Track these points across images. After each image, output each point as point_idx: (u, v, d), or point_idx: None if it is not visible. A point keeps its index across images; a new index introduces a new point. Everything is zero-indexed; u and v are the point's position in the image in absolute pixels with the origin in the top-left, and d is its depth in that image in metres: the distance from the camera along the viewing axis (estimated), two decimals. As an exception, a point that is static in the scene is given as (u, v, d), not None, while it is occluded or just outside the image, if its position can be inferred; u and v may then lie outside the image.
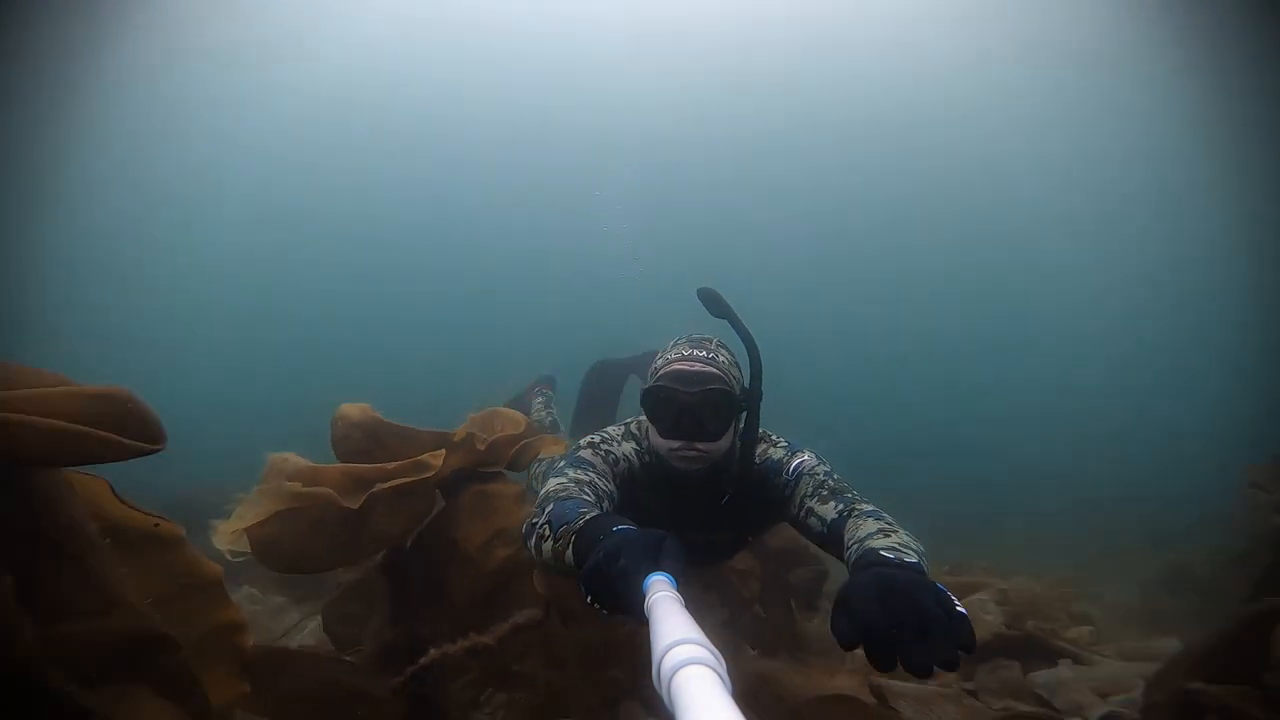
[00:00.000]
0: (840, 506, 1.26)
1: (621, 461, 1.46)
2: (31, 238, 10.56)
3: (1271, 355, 10.82)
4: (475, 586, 1.62)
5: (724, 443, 1.37)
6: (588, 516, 0.96)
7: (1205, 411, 13.23)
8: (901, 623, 0.74)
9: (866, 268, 19.56)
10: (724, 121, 18.09)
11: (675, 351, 1.44)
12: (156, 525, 1.14)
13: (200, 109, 14.96)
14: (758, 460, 1.47)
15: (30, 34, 6.97)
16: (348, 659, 1.81)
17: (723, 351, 1.45)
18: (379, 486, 1.60)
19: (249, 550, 1.70)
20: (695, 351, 1.42)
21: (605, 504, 1.27)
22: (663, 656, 0.44)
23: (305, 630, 2.54)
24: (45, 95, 8.28)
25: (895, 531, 1.08)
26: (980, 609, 2.03)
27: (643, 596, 0.63)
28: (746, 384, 1.43)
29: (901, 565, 0.90)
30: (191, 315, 18.84)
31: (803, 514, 1.35)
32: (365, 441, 1.99)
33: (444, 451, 1.81)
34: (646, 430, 1.51)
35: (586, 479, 1.29)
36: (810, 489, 1.37)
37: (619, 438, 1.52)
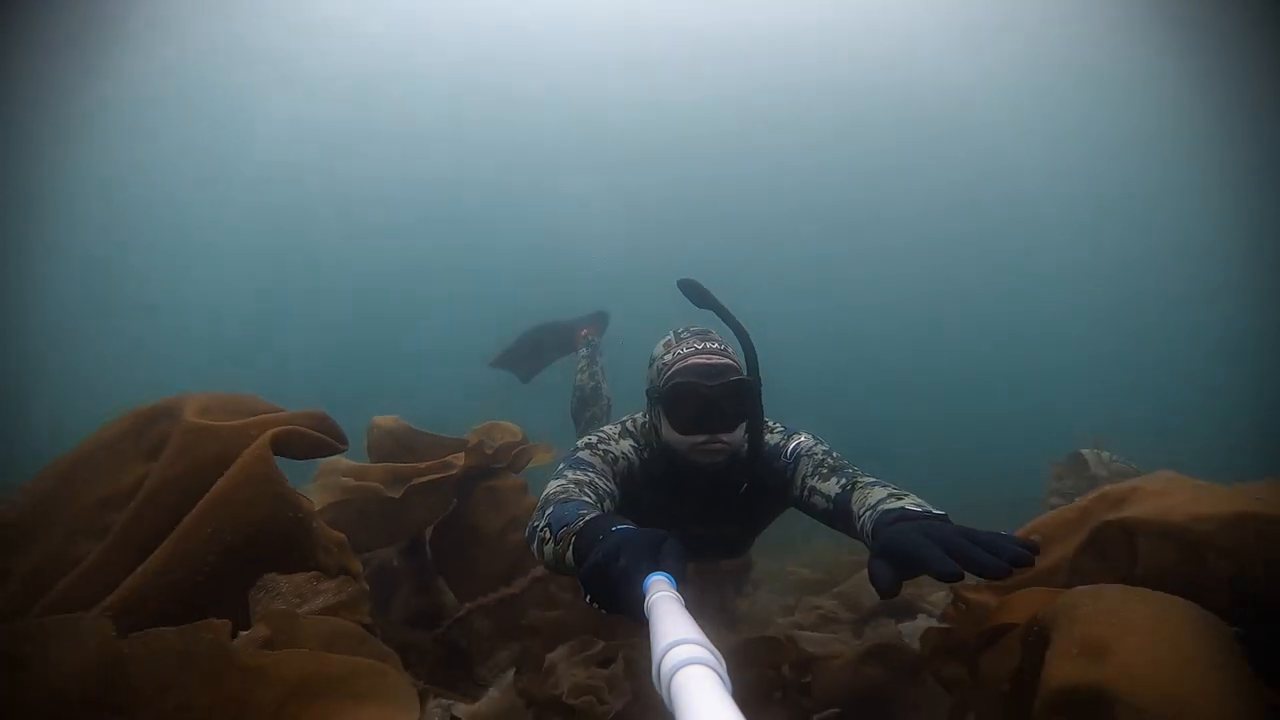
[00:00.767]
0: (843, 481, 1.26)
1: (620, 460, 1.45)
2: (31, 238, 10.73)
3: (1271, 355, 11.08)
4: (496, 562, 2.05)
5: (740, 433, 1.38)
6: (587, 517, 0.96)
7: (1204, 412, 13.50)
8: (955, 543, 0.74)
9: (864, 266, 19.53)
10: (725, 121, 18.12)
11: (685, 346, 1.42)
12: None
13: (201, 109, 14.86)
14: (762, 448, 1.47)
15: (28, 34, 7.02)
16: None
17: (726, 342, 1.46)
18: (416, 480, 2.02)
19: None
20: (708, 344, 1.42)
21: (606, 503, 1.28)
22: (662, 656, 0.44)
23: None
24: (45, 95, 8.31)
25: (906, 495, 1.07)
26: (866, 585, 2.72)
27: (642, 596, 0.63)
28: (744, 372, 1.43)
29: (930, 515, 0.90)
30: (191, 316, 18.57)
31: (806, 494, 1.35)
32: (395, 446, 2.39)
33: (464, 454, 2.25)
34: (645, 427, 1.53)
35: (586, 479, 1.30)
36: (810, 469, 1.37)
37: (616, 436, 1.52)
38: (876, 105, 17.11)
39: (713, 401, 1.33)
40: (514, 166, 19.12)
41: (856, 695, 1.78)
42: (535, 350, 3.64)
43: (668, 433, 1.39)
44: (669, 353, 1.43)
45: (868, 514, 1.05)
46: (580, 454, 1.43)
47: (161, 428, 1.25)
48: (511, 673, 1.49)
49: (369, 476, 2.11)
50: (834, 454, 1.40)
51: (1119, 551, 1.13)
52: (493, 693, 1.42)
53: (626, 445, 1.50)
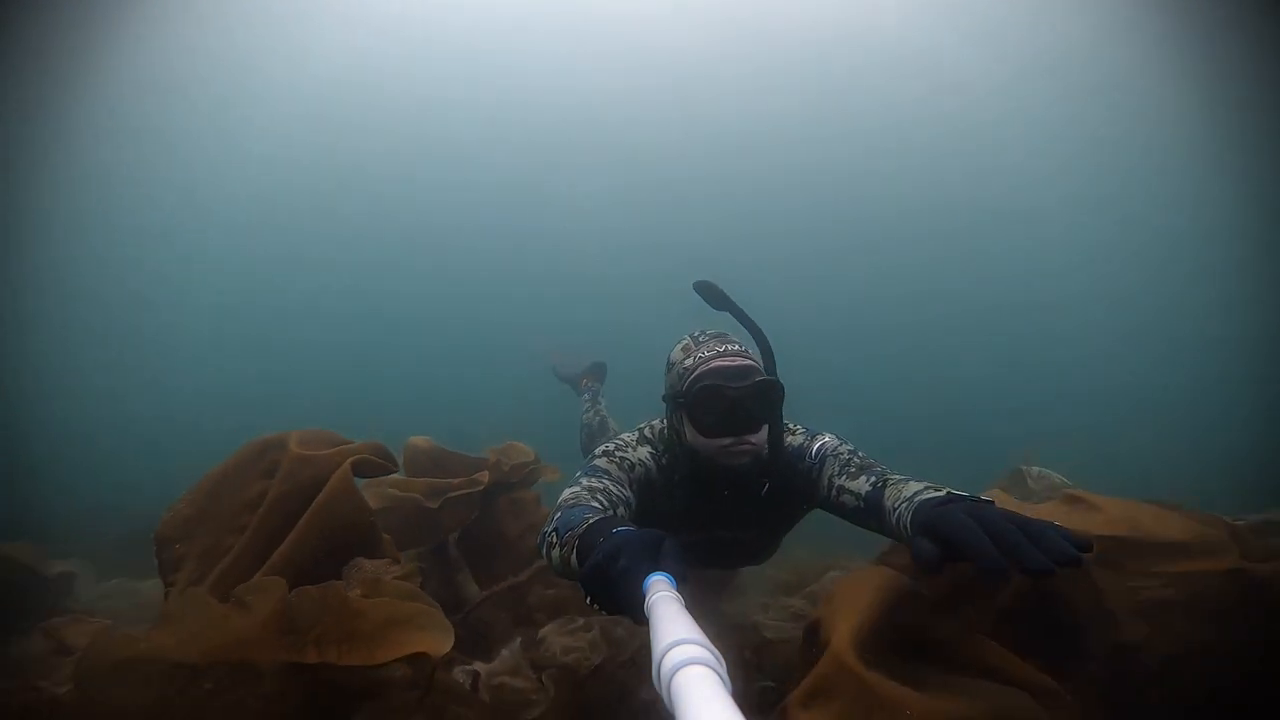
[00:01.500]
0: (873, 479, 1.25)
1: (638, 467, 1.45)
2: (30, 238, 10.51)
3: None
4: (515, 561, 2.56)
5: (764, 433, 1.38)
6: (590, 521, 0.97)
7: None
8: (1002, 531, 0.72)
9: (867, 263, 19.34)
10: (727, 122, 18.11)
11: (707, 349, 1.41)
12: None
13: (202, 110, 14.79)
14: (784, 448, 1.47)
15: (27, 33, 6.82)
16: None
17: (744, 343, 1.47)
18: (451, 494, 2.53)
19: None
20: (728, 346, 1.41)
21: (619, 510, 1.29)
22: (662, 656, 0.44)
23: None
24: (44, 95, 8.06)
25: (944, 488, 1.04)
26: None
27: (642, 596, 0.63)
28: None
29: (977, 499, 0.87)
30: (190, 315, 18.60)
31: (834, 493, 1.34)
32: (428, 461, 2.92)
33: (487, 471, 2.77)
34: (664, 433, 1.54)
35: (600, 486, 1.31)
36: (837, 468, 1.36)
37: (634, 443, 1.53)
38: (883, 104, 16.98)
39: (738, 403, 1.32)
40: (520, 165, 19.05)
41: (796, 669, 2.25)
42: (572, 358, 3.96)
43: (692, 437, 1.38)
44: (689, 357, 1.42)
45: (904, 505, 1.04)
46: (597, 461, 1.44)
47: (274, 455, 1.77)
48: (519, 641, 1.98)
49: (412, 489, 2.63)
50: (860, 453, 1.39)
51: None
52: (504, 654, 1.91)
53: (644, 452, 1.50)
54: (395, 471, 1.96)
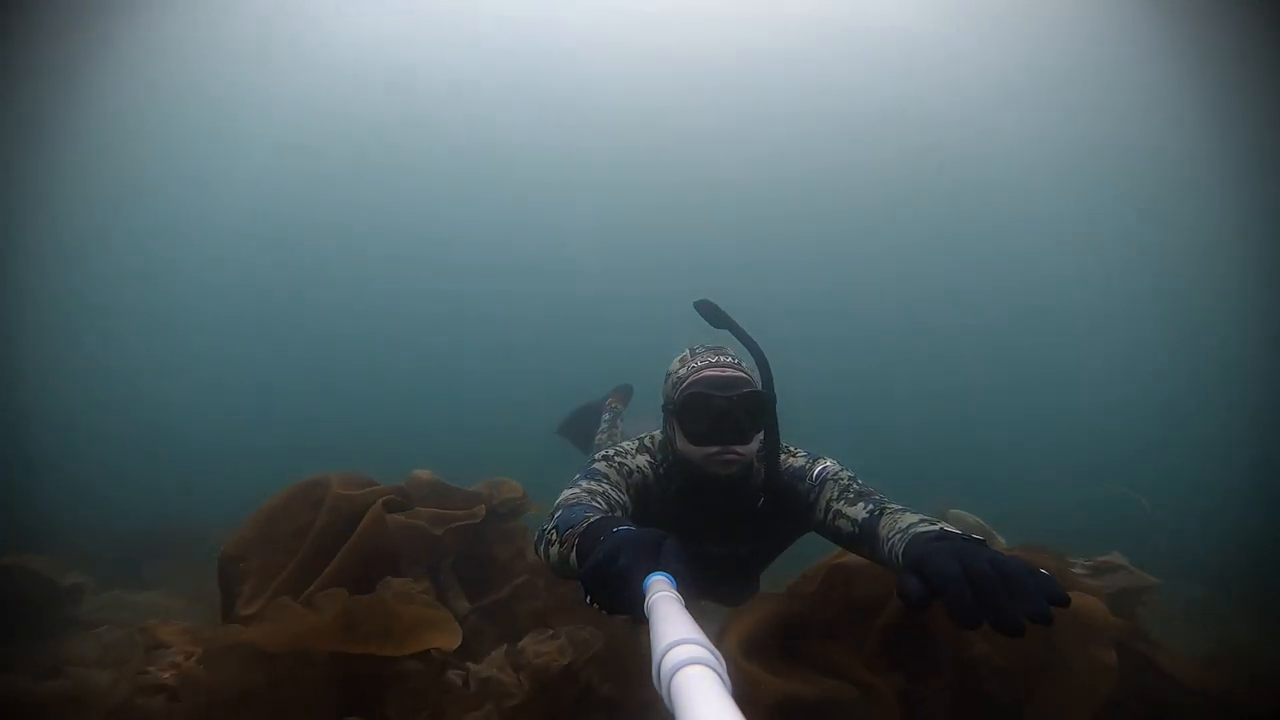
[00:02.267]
0: (870, 507, 1.27)
1: (635, 474, 1.48)
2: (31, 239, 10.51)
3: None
4: (504, 581, 3.03)
5: (754, 445, 1.41)
6: (591, 519, 0.98)
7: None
8: (984, 580, 0.73)
9: (866, 270, 19.62)
10: (729, 122, 18.31)
11: (700, 360, 1.46)
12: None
13: (207, 113, 14.76)
14: (781, 468, 1.49)
15: (29, 33, 6.84)
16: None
17: (740, 356, 1.50)
18: (454, 524, 3.00)
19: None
20: (721, 357, 1.46)
21: (618, 513, 1.29)
22: (662, 656, 0.44)
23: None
24: (45, 96, 8.10)
25: (940, 522, 1.06)
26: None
27: (642, 596, 0.63)
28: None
29: (969, 539, 0.87)
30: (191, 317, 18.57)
31: (830, 517, 1.36)
32: (430, 492, 3.38)
33: (483, 505, 3.24)
34: (661, 444, 1.57)
35: (599, 489, 1.33)
36: (835, 493, 1.38)
37: (633, 451, 1.55)
38: (886, 112, 17.07)
39: (725, 412, 1.35)
40: (522, 172, 19.31)
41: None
42: (584, 422, 3.97)
43: (682, 444, 1.42)
44: (683, 367, 1.47)
45: (898, 537, 1.06)
46: (596, 465, 1.46)
47: (318, 492, 2.25)
48: (504, 648, 2.43)
49: (418, 518, 3.09)
50: (859, 480, 1.41)
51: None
52: (491, 656, 2.36)
53: (642, 460, 1.52)
54: (410, 507, 2.44)
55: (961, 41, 14.45)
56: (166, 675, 1.72)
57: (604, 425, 3.58)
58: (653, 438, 1.61)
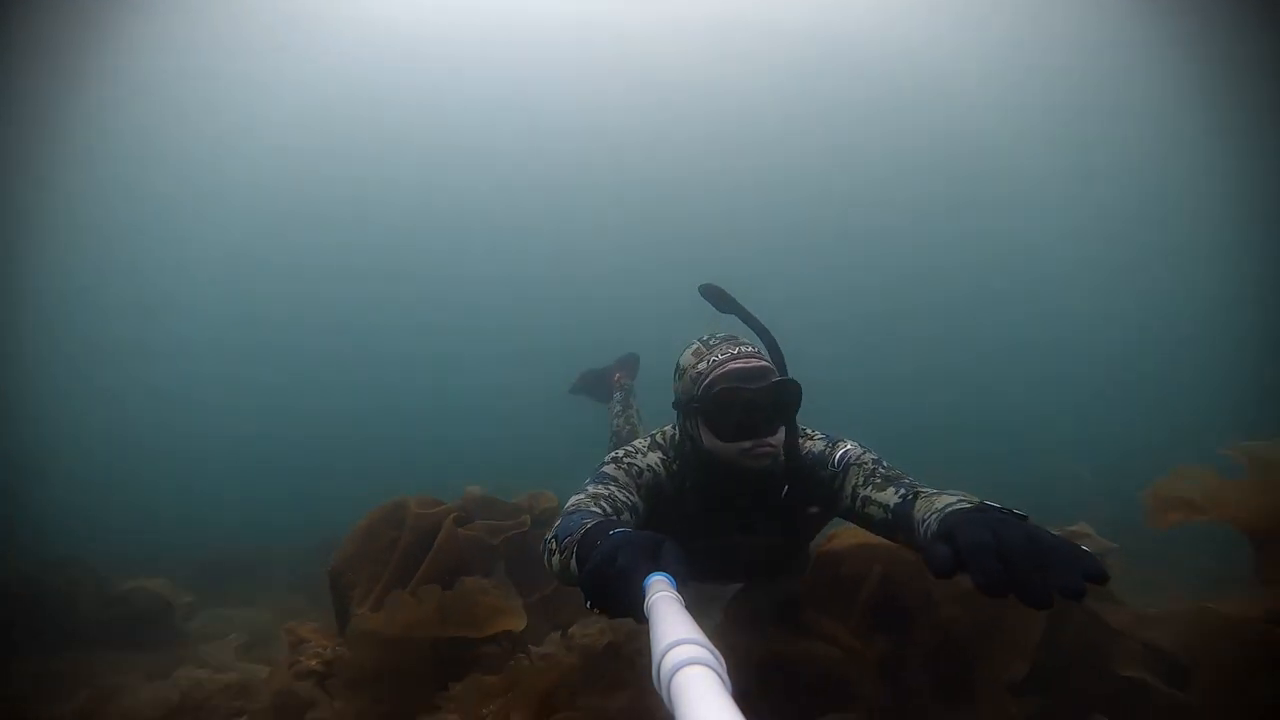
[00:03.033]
0: (902, 491, 1.23)
1: (646, 473, 1.45)
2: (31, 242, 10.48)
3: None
4: (549, 580, 3.55)
5: (781, 434, 1.37)
6: (588, 525, 0.97)
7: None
8: (1015, 552, 0.70)
9: (869, 268, 19.93)
10: (731, 123, 18.65)
11: (720, 352, 1.40)
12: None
13: (205, 117, 14.85)
14: (801, 454, 1.45)
15: (28, 34, 6.80)
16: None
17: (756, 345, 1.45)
18: (506, 534, 3.52)
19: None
20: (742, 348, 1.40)
21: (625, 515, 1.28)
22: (662, 657, 0.44)
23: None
24: (44, 99, 8.07)
25: (976, 500, 1.00)
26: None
27: (642, 597, 0.63)
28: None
29: (1010, 512, 0.83)
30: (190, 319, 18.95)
31: (859, 504, 1.33)
32: (481, 506, 3.93)
33: (528, 515, 3.77)
34: (675, 439, 1.53)
35: (605, 492, 1.32)
36: (862, 478, 1.34)
37: (645, 449, 1.53)
38: (888, 110, 17.37)
39: (757, 405, 1.32)
40: (525, 172, 19.65)
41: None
42: (594, 379, 4.04)
43: (710, 442, 1.38)
44: (701, 361, 1.41)
45: (934, 517, 1.02)
46: (605, 468, 1.45)
47: (400, 513, 2.79)
48: (558, 633, 2.94)
49: (476, 530, 3.63)
50: (884, 463, 1.38)
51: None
52: (549, 639, 2.87)
53: (654, 458, 1.50)
54: (470, 521, 2.97)
55: (968, 42, 14.50)
56: (313, 662, 2.28)
57: (617, 408, 3.47)
58: (664, 433, 1.59)
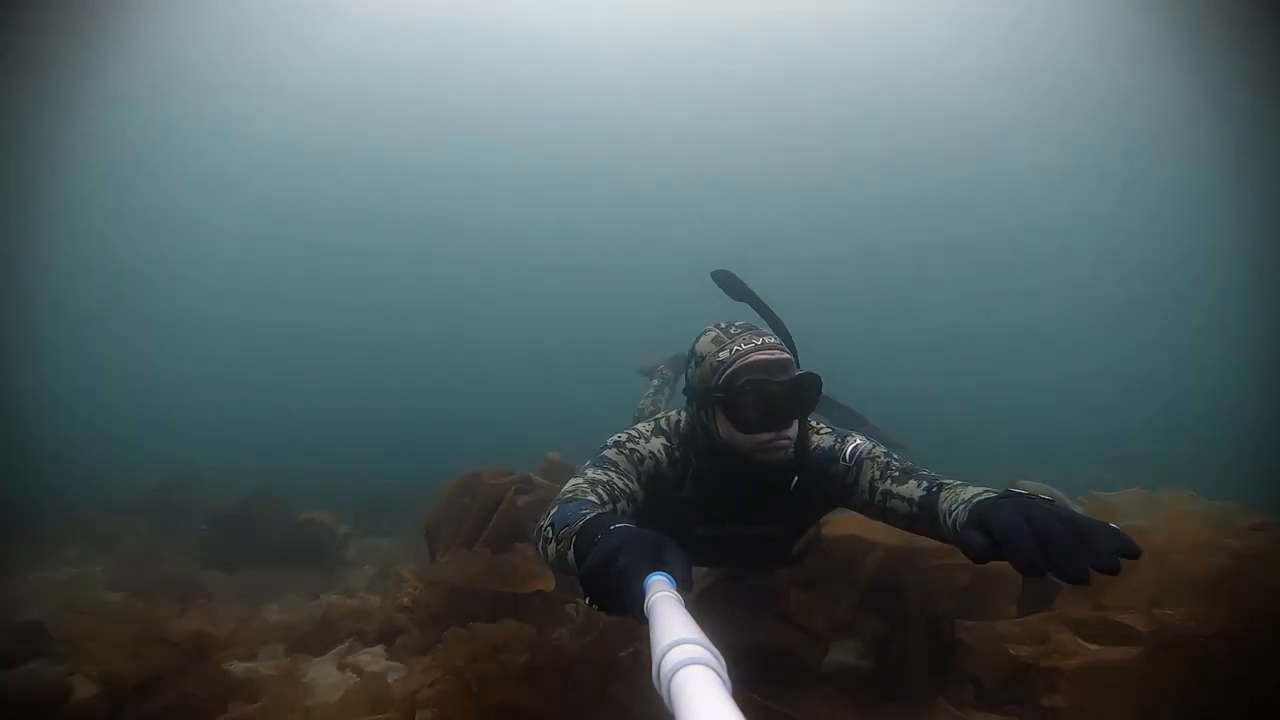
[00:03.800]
0: (925, 484, 1.23)
1: (648, 459, 1.44)
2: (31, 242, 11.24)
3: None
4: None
5: (795, 427, 1.37)
6: (587, 517, 0.97)
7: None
8: (1048, 532, 0.72)
9: (872, 266, 19.75)
10: (733, 122, 18.51)
11: (742, 342, 1.37)
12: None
13: (210, 106, 15.63)
14: (810, 447, 1.44)
15: (29, 38, 6.90)
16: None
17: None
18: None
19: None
20: (765, 339, 1.38)
21: (623, 503, 1.28)
22: (662, 656, 0.45)
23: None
24: (45, 100, 8.20)
25: (1000, 490, 1.01)
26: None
27: (642, 596, 0.64)
28: None
29: (1036, 498, 0.86)
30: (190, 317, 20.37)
31: (878, 498, 1.33)
32: (555, 469, 4.57)
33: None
34: (681, 426, 1.52)
35: (604, 479, 1.31)
36: (878, 473, 1.34)
37: (648, 434, 1.51)
38: (887, 106, 17.09)
39: (781, 398, 1.31)
40: (529, 167, 19.83)
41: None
42: (649, 366, 4.14)
43: (727, 432, 1.37)
44: (723, 349, 1.38)
45: (960, 508, 1.02)
46: (606, 452, 1.45)
47: (473, 483, 3.44)
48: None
49: (539, 492, 4.27)
50: (896, 457, 1.38)
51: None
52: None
53: (657, 444, 1.49)
54: (533, 490, 3.56)
55: (968, 40, 14.07)
56: (405, 600, 3.02)
57: (650, 390, 3.55)
58: (669, 419, 1.57)
